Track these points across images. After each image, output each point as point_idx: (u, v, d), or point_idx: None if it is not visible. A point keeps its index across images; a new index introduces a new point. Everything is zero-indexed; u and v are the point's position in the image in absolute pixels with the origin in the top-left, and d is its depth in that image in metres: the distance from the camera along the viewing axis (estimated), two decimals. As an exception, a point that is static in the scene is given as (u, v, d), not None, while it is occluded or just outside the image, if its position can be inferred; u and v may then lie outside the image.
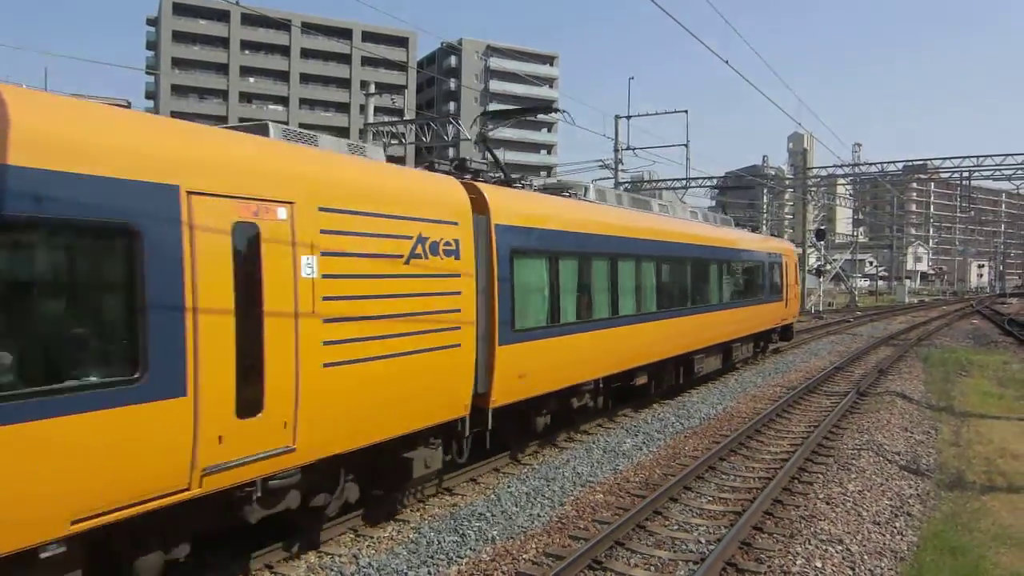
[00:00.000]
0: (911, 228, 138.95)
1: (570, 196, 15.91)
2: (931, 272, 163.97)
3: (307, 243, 8.20)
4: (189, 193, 7.02)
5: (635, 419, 17.66)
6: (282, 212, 7.99)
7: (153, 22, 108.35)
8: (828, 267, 71.17)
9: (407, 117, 33.83)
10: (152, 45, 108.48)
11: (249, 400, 7.54)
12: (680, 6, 16.03)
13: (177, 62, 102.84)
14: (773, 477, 12.49)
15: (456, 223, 10.75)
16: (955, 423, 17.82)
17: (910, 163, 51.88)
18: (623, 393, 17.95)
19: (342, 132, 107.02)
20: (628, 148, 45.33)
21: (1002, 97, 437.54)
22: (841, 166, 57.76)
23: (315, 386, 8.23)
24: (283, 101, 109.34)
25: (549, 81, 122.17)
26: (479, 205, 11.53)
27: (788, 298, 30.59)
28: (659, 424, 17.05)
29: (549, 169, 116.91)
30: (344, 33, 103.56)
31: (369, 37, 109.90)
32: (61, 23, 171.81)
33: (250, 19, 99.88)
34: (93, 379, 6.32)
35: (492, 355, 11.53)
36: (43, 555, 6.05)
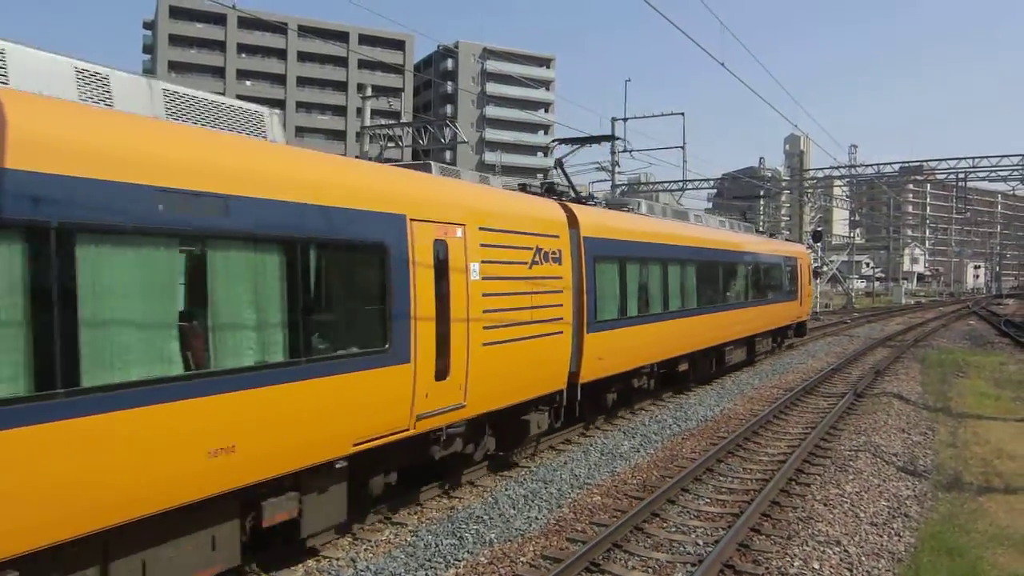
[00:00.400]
0: (907, 229, 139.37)
1: (629, 210, 19.13)
2: (927, 273, 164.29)
3: (473, 253, 11.14)
4: (411, 220, 9.90)
5: (632, 421, 17.68)
6: (459, 231, 10.91)
7: (150, 25, 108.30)
8: (825, 268, 71.22)
9: (404, 120, 33.77)
10: (148, 48, 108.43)
11: (441, 368, 10.35)
12: (676, 9, 16.14)
13: (174, 65, 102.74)
14: (771, 479, 12.50)
15: (558, 236, 13.64)
16: (952, 424, 17.83)
17: (906, 164, 51.97)
18: (667, 378, 20.25)
19: (339, 135, 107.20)
20: (625, 150, 45.34)
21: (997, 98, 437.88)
22: (837, 168, 57.86)
23: (478, 360, 11.10)
24: (280, 104, 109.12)
25: (546, 83, 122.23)
26: (572, 221, 14.41)
27: (802, 297, 33.30)
28: (657, 426, 17.07)
29: (546, 172, 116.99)
30: (341, 36, 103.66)
31: (366, 40, 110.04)
32: (55, 25, 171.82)
33: (246, 22, 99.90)
34: (369, 348, 9.31)
35: (581, 341, 14.46)
36: (337, 466, 8.87)
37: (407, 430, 9.84)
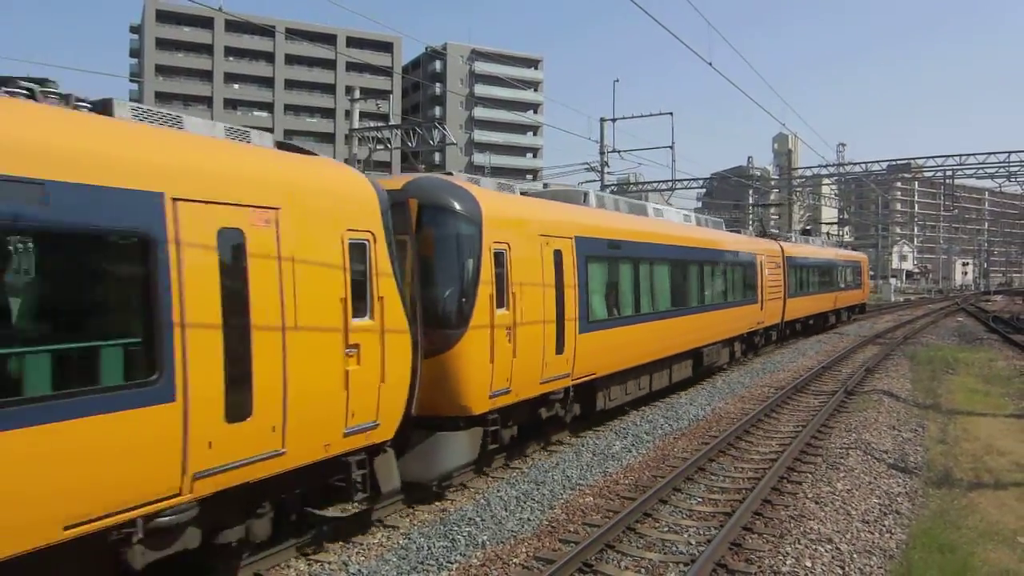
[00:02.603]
0: (896, 227, 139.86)
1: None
2: (916, 271, 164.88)
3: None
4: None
5: (624, 421, 17.68)
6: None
7: (136, 29, 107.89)
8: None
9: (392, 122, 33.70)
10: (135, 52, 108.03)
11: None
12: (664, 10, 16.17)
13: (161, 69, 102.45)
14: (762, 477, 12.52)
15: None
16: (942, 421, 17.89)
17: (894, 162, 52.23)
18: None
19: (327, 138, 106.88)
20: (614, 151, 45.32)
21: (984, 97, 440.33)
22: (826, 166, 58.11)
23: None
24: (268, 107, 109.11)
25: (534, 85, 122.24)
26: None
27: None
28: (648, 426, 17.07)
29: (535, 172, 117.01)
30: (328, 39, 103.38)
31: (353, 42, 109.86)
32: (42, 29, 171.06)
33: (234, 25, 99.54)
34: (751, 298, 21.03)
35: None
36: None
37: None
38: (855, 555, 9.42)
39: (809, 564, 9.08)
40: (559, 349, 13.95)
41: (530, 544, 9.94)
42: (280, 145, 9.56)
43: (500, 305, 12.27)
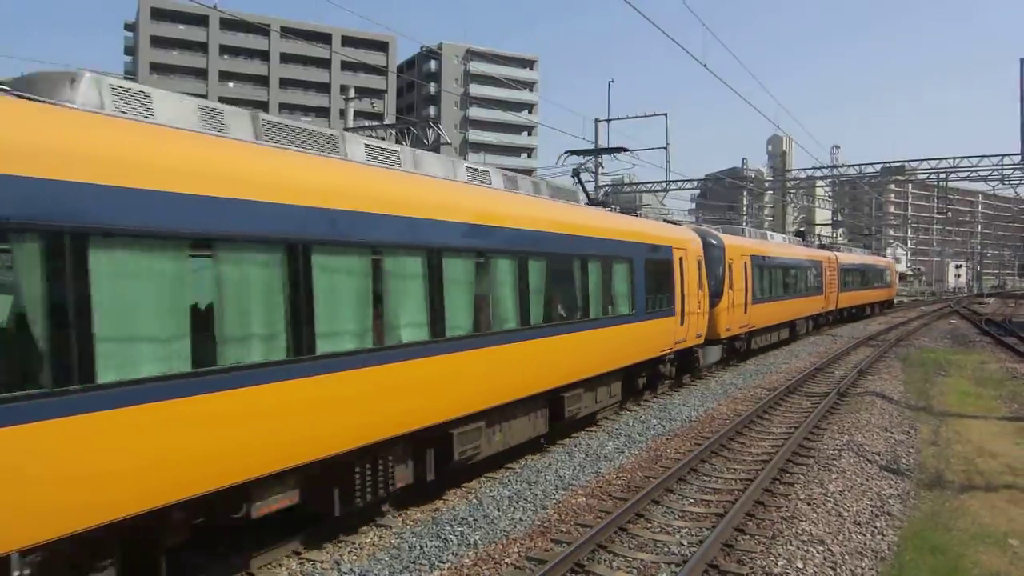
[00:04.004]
0: (889, 229, 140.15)
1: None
2: (909, 273, 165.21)
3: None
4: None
5: (616, 422, 17.69)
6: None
7: (131, 27, 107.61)
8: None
9: (387, 121, 33.69)
10: (130, 50, 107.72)
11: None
12: (659, 11, 16.08)
13: (155, 67, 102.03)
14: (755, 478, 12.52)
15: None
16: (934, 423, 17.94)
17: (888, 164, 52.25)
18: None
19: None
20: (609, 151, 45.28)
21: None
22: (820, 168, 58.13)
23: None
24: (263, 106, 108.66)
25: (529, 85, 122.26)
26: None
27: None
28: (641, 427, 17.08)
29: (529, 173, 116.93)
30: (323, 37, 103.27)
31: (348, 41, 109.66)
32: (34, 26, 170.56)
33: (229, 24, 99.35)
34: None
35: None
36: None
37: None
38: (847, 556, 9.43)
39: (801, 565, 9.09)
40: (745, 313, 27.52)
41: (522, 544, 9.93)
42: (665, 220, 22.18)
43: (730, 288, 25.84)
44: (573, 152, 25.04)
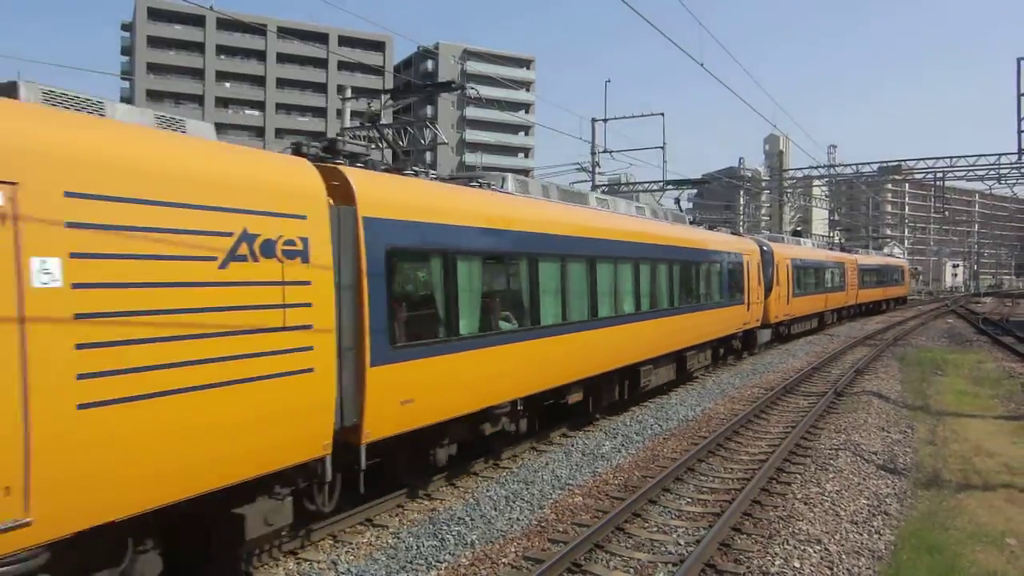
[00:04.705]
0: (886, 228, 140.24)
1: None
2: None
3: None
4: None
5: (613, 421, 17.69)
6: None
7: (128, 27, 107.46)
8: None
9: (384, 121, 33.62)
10: (127, 50, 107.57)
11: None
12: (654, 10, 16.13)
13: (152, 67, 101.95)
14: (752, 478, 12.53)
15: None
16: (931, 422, 17.95)
17: (885, 164, 52.21)
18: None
19: (319, 137, 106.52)
20: (605, 151, 45.34)
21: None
22: (817, 167, 58.09)
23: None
24: (259, 106, 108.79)
25: (526, 84, 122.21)
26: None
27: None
28: (638, 426, 17.08)
29: (526, 173, 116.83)
30: (320, 37, 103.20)
31: (345, 41, 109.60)
32: (32, 26, 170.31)
33: (225, 24, 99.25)
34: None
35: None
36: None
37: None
38: (844, 556, 9.44)
39: (798, 564, 9.09)
40: (787, 304, 33.80)
41: (519, 544, 9.93)
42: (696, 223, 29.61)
43: (777, 284, 31.51)
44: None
